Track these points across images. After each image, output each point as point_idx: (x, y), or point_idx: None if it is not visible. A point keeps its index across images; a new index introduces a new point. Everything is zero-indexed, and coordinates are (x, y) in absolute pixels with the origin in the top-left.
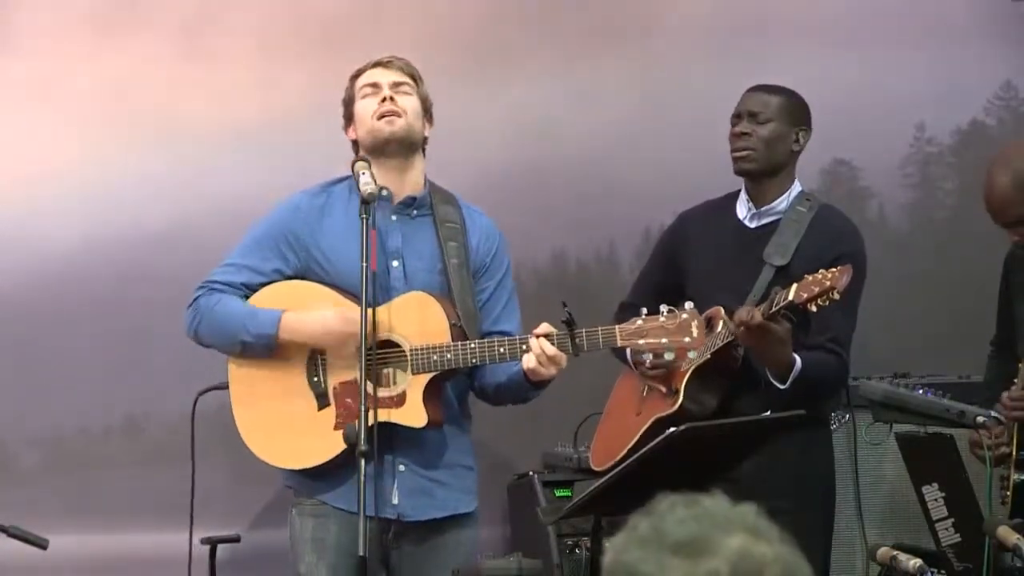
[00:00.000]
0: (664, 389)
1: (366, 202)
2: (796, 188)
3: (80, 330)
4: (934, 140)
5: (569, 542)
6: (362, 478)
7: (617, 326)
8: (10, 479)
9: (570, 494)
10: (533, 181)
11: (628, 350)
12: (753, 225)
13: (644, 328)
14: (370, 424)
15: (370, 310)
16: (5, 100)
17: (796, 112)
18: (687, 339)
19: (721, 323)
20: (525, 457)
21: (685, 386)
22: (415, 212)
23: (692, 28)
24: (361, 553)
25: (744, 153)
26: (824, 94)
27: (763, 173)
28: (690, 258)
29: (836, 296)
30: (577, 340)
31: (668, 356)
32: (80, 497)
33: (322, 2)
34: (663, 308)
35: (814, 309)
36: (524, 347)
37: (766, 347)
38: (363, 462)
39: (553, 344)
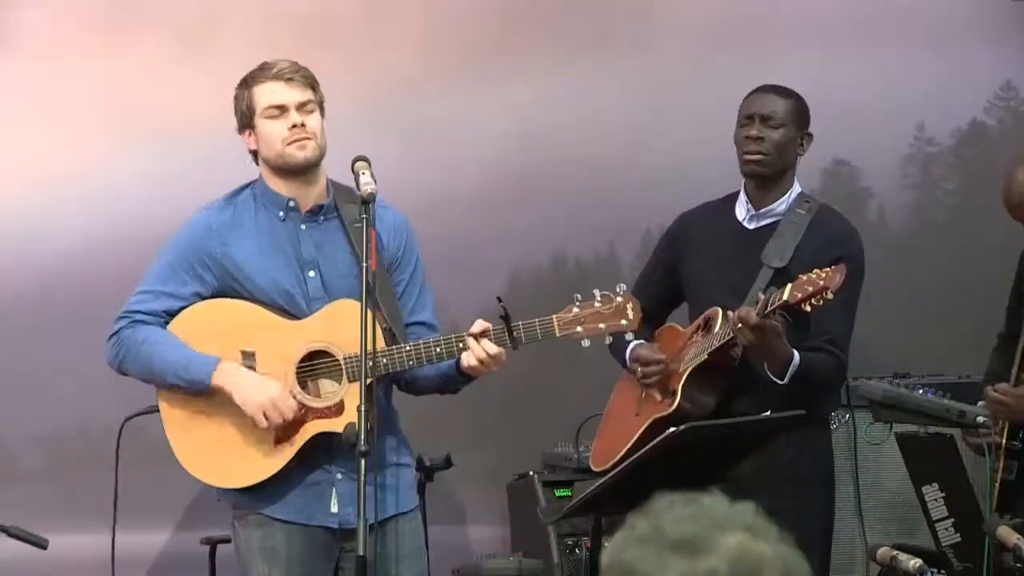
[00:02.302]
0: (662, 390)
1: (366, 202)
2: (795, 190)
3: (80, 330)
4: (934, 140)
5: (569, 542)
6: (362, 478)
7: (554, 316)
8: (10, 479)
9: (570, 494)
10: (533, 181)
11: (627, 352)
12: (752, 227)
13: (581, 315)
14: (368, 427)
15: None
16: (5, 100)
17: (803, 117)
18: (623, 322)
19: (719, 323)
20: (525, 457)
21: (683, 387)
22: (323, 219)
23: (692, 28)
24: (361, 552)
25: (757, 157)
26: (824, 94)
27: (771, 177)
28: (689, 259)
29: (830, 296)
30: (515, 334)
31: (607, 341)
32: (80, 497)
33: (322, 2)
34: (596, 293)
35: (808, 309)
36: (460, 345)
37: (764, 344)
38: (363, 462)
39: (491, 340)
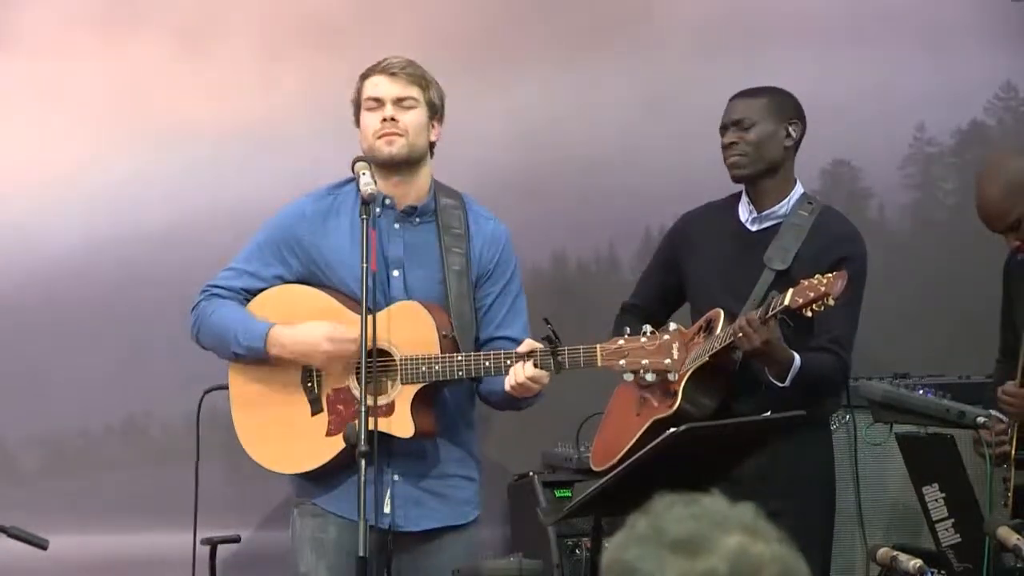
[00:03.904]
0: (663, 391)
1: (366, 202)
2: (798, 191)
3: (81, 330)
4: (934, 140)
5: (569, 542)
6: (362, 478)
7: (598, 345)
8: (10, 479)
9: (570, 494)
10: (533, 182)
11: None
12: (754, 228)
13: (625, 348)
14: (369, 427)
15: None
16: (6, 100)
17: (782, 108)
18: (667, 360)
19: (720, 325)
20: (525, 457)
21: (684, 388)
22: (418, 220)
23: (692, 28)
24: (361, 553)
25: (735, 159)
26: (824, 94)
27: (759, 175)
28: (691, 259)
29: (831, 302)
30: (559, 358)
31: (649, 377)
32: (80, 497)
33: (322, 2)
34: (646, 328)
35: (809, 315)
36: (508, 362)
37: (766, 349)
38: (363, 463)
39: (536, 362)
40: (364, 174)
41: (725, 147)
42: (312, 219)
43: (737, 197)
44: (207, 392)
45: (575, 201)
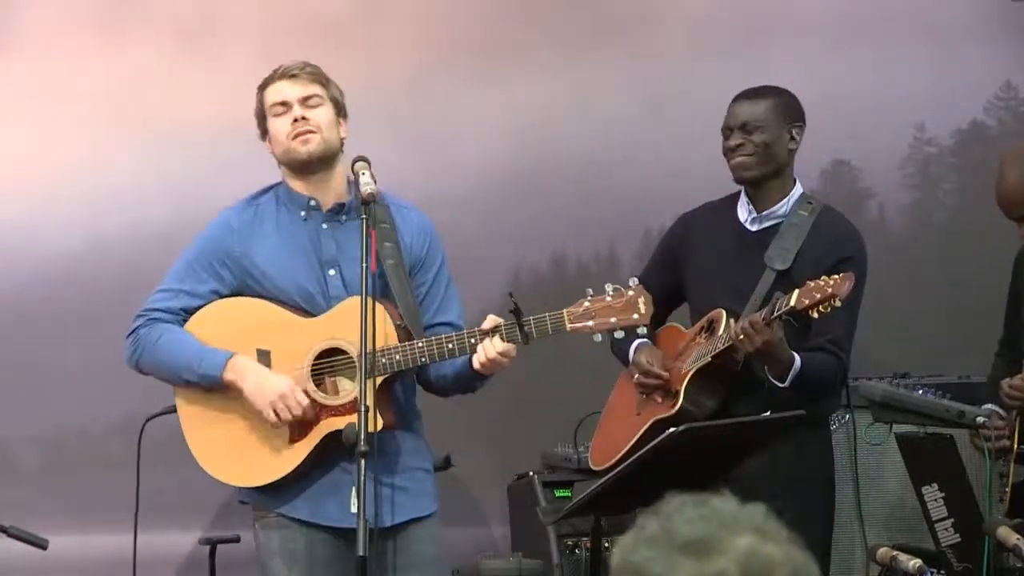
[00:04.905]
0: (664, 390)
1: (366, 202)
2: (798, 191)
3: (81, 330)
4: (934, 140)
5: (569, 542)
6: (362, 478)
7: (565, 310)
8: (10, 479)
9: (570, 494)
10: (533, 182)
11: (629, 353)
12: (754, 228)
13: (591, 309)
14: (373, 428)
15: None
16: (6, 101)
17: (786, 111)
18: (635, 316)
19: (723, 325)
20: (525, 457)
21: (685, 388)
22: (344, 218)
23: (692, 28)
24: (361, 553)
25: (742, 160)
26: (824, 94)
27: (764, 177)
28: (691, 259)
29: (837, 303)
30: (525, 328)
31: (619, 335)
32: (80, 497)
33: (322, 2)
34: (608, 287)
35: (815, 316)
36: (472, 341)
37: (767, 350)
38: (363, 463)
39: (502, 336)
40: (364, 174)
41: (731, 149)
42: (239, 230)
43: (736, 197)
44: (149, 419)
45: (575, 201)
